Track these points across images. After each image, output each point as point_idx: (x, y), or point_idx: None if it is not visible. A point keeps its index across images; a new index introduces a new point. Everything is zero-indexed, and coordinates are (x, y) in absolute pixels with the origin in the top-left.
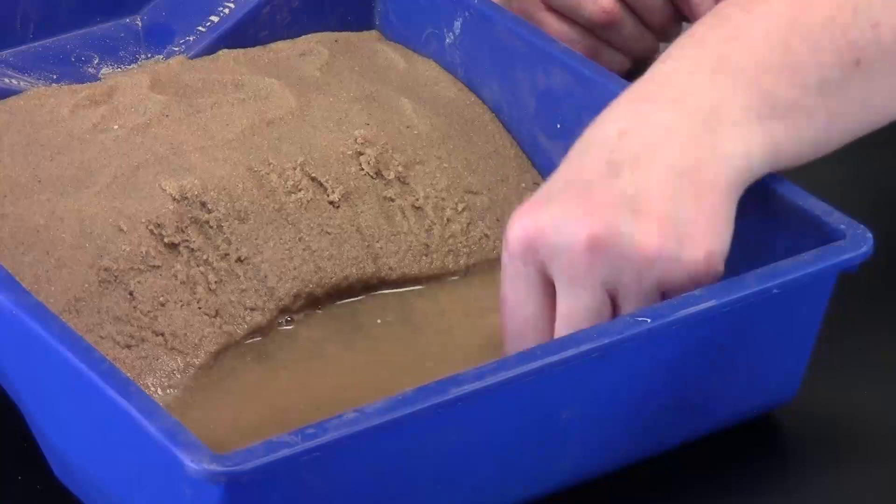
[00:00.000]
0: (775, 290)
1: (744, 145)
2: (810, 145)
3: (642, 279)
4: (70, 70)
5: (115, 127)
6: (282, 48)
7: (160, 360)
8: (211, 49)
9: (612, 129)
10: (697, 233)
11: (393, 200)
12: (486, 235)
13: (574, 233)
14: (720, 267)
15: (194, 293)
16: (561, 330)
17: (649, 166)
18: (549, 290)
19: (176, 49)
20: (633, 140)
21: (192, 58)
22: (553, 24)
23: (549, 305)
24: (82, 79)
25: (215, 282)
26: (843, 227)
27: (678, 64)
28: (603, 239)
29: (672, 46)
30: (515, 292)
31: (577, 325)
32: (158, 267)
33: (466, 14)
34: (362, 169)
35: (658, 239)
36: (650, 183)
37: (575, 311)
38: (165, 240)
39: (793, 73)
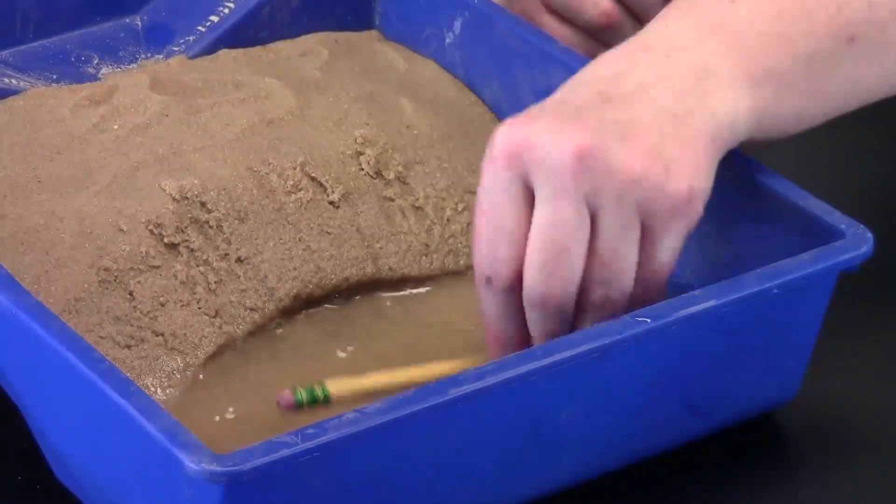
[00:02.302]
0: (775, 290)
1: (731, 105)
2: (795, 116)
3: (624, 199)
4: (70, 70)
5: (115, 127)
6: (282, 48)
7: (160, 360)
8: (211, 49)
9: (606, 69)
10: (683, 168)
11: (393, 200)
12: None
13: (562, 144)
14: (700, 208)
15: (194, 293)
16: (535, 240)
17: (641, 103)
18: (527, 200)
19: (176, 49)
20: (626, 80)
21: (192, 58)
22: (553, 27)
23: (527, 216)
24: (82, 79)
25: (215, 282)
26: (843, 227)
27: (674, 23)
28: (590, 153)
29: (668, 7)
30: (494, 199)
31: (553, 237)
32: (158, 267)
33: (466, 14)
34: (362, 169)
35: (645, 161)
36: (641, 116)
37: (553, 223)
38: (165, 240)
39: (785, 43)
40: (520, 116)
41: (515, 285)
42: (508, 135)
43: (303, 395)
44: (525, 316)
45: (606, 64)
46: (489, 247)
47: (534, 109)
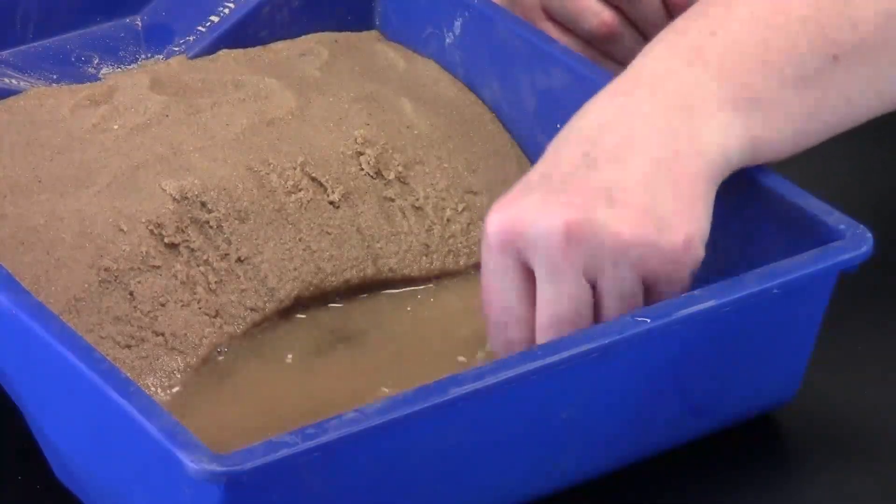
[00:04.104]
0: (775, 290)
1: (721, 137)
2: (789, 139)
3: (619, 265)
4: (70, 70)
5: (115, 127)
6: (282, 48)
7: (160, 360)
8: (211, 49)
9: (591, 123)
10: (675, 219)
11: (393, 200)
12: None
13: (551, 221)
14: (700, 251)
15: (194, 293)
16: (542, 319)
17: (627, 159)
18: (529, 279)
19: (176, 49)
20: (611, 133)
21: (192, 58)
22: (554, 35)
23: (530, 295)
24: (82, 79)
25: (215, 282)
26: (843, 227)
27: (657, 56)
28: (579, 226)
29: (654, 40)
30: (496, 283)
31: (558, 313)
32: (158, 267)
33: (466, 14)
34: (362, 169)
35: (634, 225)
36: (627, 175)
37: (555, 299)
38: (165, 240)
39: (770, 67)
40: (508, 196)
41: None
42: (499, 220)
43: None
44: None
45: (590, 114)
46: (501, 330)
47: (522, 183)
